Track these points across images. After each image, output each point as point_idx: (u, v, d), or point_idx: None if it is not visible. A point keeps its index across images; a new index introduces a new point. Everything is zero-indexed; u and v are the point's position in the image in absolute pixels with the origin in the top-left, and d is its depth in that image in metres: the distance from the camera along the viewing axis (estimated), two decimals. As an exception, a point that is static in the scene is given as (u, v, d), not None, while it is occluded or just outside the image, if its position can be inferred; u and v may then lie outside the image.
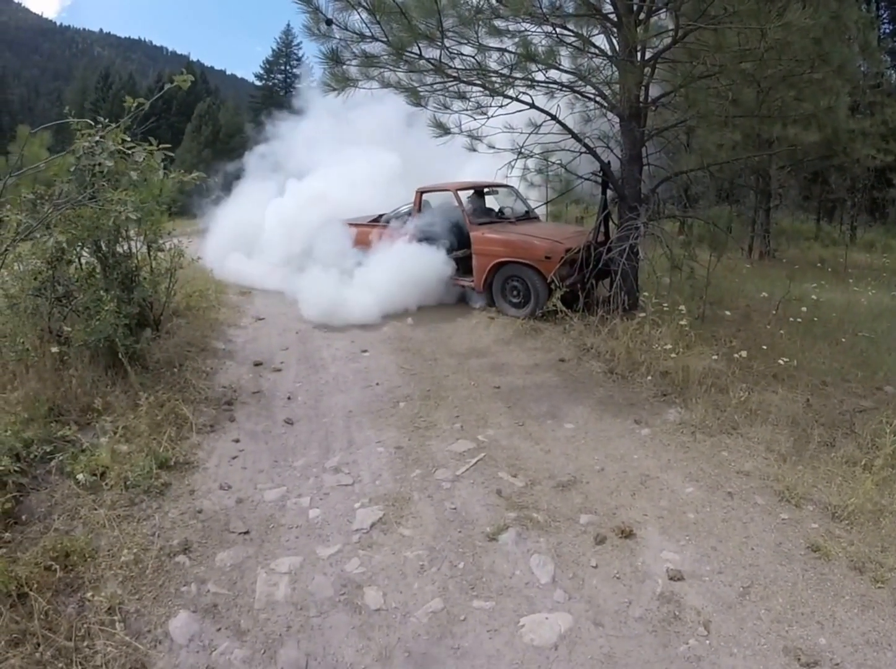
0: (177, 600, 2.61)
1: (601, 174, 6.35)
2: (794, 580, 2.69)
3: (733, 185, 12.76)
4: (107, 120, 2.88)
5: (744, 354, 4.78)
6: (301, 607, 2.59)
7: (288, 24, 49.19)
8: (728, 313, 6.04)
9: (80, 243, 4.62)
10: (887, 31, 22.69)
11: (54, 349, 4.31)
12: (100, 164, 2.43)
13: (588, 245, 6.40)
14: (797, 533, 3.01)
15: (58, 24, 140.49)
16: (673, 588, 2.66)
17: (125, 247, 5.21)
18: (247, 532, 3.09)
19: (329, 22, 4.82)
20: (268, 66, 48.59)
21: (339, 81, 5.28)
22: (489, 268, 6.96)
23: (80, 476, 3.30)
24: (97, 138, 2.44)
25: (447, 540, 3.00)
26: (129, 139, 2.52)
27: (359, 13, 4.82)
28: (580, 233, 6.96)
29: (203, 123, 36.78)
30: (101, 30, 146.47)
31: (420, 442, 4.05)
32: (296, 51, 48.11)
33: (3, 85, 48.37)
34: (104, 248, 4.84)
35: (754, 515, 3.16)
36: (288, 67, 48.33)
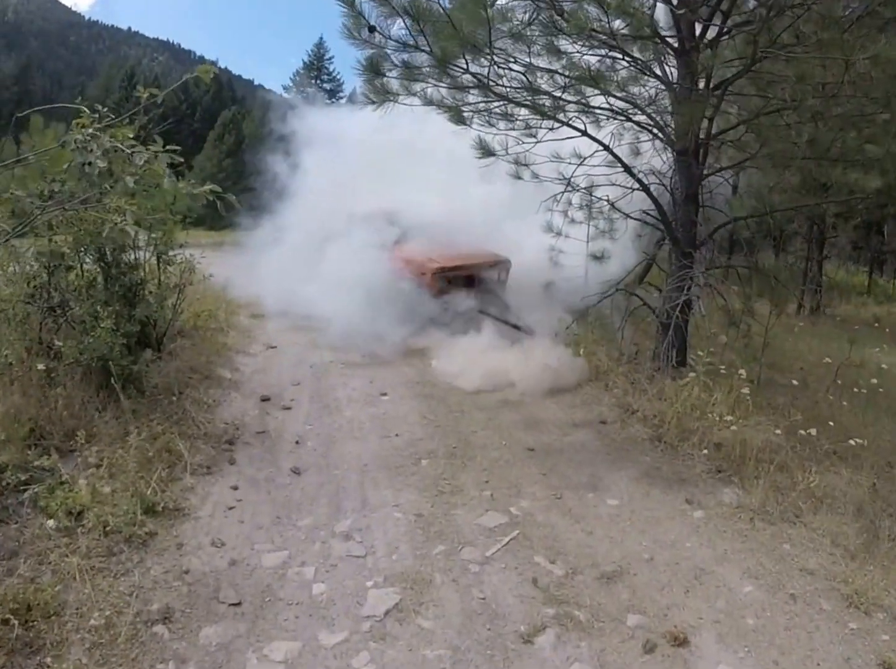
0: (150, 679, 2.26)
1: (652, 214, 5.80)
2: (863, 700, 2.37)
3: (783, 232, 12.16)
4: (113, 116, 2.47)
5: (813, 431, 4.34)
6: (297, 708, 2.22)
7: (321, 38, 49.68)
8: (794, 380, 5.52)
9: (82, 249, 4.42)
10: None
11: (41, 366, 4.05)
12: (90, 163, 2.00)
13: None
14: (867, 647, 2.65)
15: (87, 18, 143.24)
16: (731, 707, 2.28)
17: (132, 257, 4.96)
18: (238, 604, 2.71)
19: (372, 29, 4.44)
20: (298, 79, 48.98)
21: (379, 94, 4.91)
22: None
23: (50, 522, 3.04)
24: (90, 131, 2.01)
25: (474, 638, 2.57)
26: (135, 140, 2.14)
27: (403, 20, 4.45)
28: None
29: (226, 132, 36.92)
30: (129, 28, 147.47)
31: (444, 510, 3.63)
32: (327, 65, 48.47)
33: (26, 75, 49.03)
34: (108, 256, 4.59)
35: (820, 623, 2.79)
36: (318, 82, 48.65)
